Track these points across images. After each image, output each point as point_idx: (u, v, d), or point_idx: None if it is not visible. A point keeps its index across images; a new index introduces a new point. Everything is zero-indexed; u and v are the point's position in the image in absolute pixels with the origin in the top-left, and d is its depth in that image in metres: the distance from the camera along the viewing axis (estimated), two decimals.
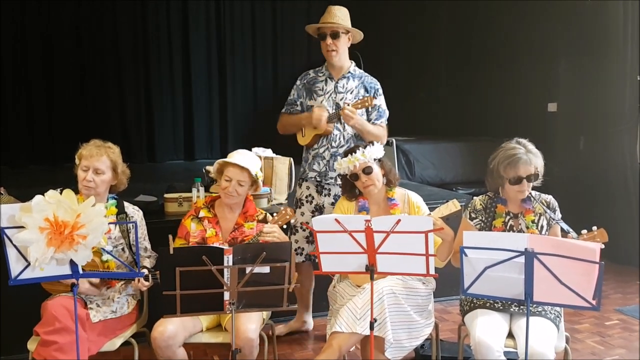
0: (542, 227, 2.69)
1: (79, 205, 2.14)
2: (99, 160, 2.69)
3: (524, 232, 2.67)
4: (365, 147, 2.86)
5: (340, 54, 3.32)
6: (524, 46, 6.21)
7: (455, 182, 6.08)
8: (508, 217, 2.72)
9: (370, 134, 3.29)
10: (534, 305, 2.51)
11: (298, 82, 3.46)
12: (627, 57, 5.01)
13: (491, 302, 2.60)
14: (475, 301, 2.65)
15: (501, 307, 2.60)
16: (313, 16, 8.90)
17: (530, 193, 2.70)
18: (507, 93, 6.46)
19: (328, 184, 3.37)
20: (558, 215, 2.69)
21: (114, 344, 2.68)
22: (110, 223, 2.64)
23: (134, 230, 2.49)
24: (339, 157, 3.04)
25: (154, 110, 7.91)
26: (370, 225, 2.24)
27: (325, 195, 3.38)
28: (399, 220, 2.21)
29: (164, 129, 7.98)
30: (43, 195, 2.11)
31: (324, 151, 3.35)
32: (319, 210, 3.39)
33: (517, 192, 2.63)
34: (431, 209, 2.73)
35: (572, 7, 5.48)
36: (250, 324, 2.57)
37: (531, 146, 2.67)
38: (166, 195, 3.77)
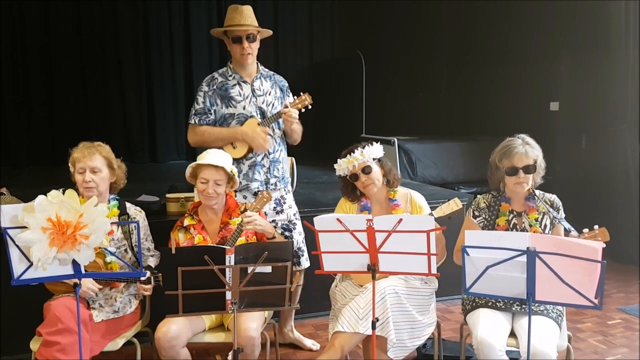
0: (545, 226, 2.69)
1: (81, 205, 2.14)
2: (92, 159, 2.69)
3: (527, 230, 2.67)
4: (363, 147, 2.86)
5: (254, 56, 3.20)
6: (526, 45, 6.21)
7: (457, 182, 6.08)
8: (512, 216, 2.72)
9: (295, 132, 3.25)
10: (536, 304, 2.52)
11: (206, 88, 3.22)
12: (628, 55, 5.01)
13: (493, 301, 2.60)
14: (477, 300, 2.65)
15: (503, 306, 2.60)
16: (315, 16, 8.96)
17: (534, 191, 2.70)
18: (509, 92, 6.47)
19: (270, 190, 3.24)
20: (561, 214, 2.68)
21: (117, 343, 2.68)
22: (112, 223, 2.65)
23: (136, 230, 2.49)
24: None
25: (155, 110, 7.92)
26: (372, 224, 2.24)
27: None
28: (400, 220, 2.21)
29: (165, 129, 7.99)
30: (45, 195, 2.11)
31: (262, 159, 3.21)
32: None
33: (516, 185, 2.62)
34: (432, 208, 2.74)
35: (574, 6, 5.48)
36: (252, 323, 2.58)
37: (529, 139, 2.67)
38: (168, 195, 3.77)
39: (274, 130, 3.22)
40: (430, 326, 2.74)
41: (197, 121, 3.20)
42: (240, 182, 3.15)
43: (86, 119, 7.48)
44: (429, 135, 6.95)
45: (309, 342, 3.57)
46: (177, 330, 2.54)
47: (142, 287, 2.58)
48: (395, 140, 6.17)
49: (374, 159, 2.86)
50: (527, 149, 2.60)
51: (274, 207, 3.27)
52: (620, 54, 5.06)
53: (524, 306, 2.57)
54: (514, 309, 2.60)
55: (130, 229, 2.77)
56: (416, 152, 6.20)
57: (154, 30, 7.82)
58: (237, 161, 3.18)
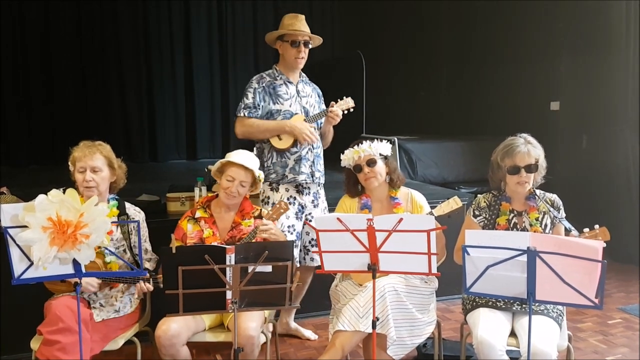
0: (546, 225, 2.69)
1: (81, 204, 2.14)
2: (93, 159, 2.69)
3: (527, 229, 2.67)
4: (372, 141, 2.89)
5: (305, 61, 3.40)
6: (526, 45, 6.21)
7: (458, 181, 6.08)
8: (512, 215, 2.72)
9: (330, 134, 3.50)
10: (537, 304, 2.52)
11: (256, 85, 3.36)
12: (629, 55, 5.01)
13: (493, 300, 2.60)
14: (477, 300, 2.65)
15: (503, 306, 2.60)
16: (315, 16, 8.95)
17: (534, 191, 2.71)
18: (510, 92, 6.47)
19: (310, 182, 3.40)
20: (562, 214, 2.68)
21: (117, 343, 2.68)
22: (112, 223, 2.64)
23: (136, 229, 2.48)
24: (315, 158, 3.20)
25: (156, 109, 7.94)
26: (372, 224, 2.24)
27: (306, 195, 3.40)
28: (401, 219, 2.21)
29: (166, 128, 8.00)
30: (46, 194, 2.11)
31: (307, 153, 3.36)
32: (301, 210, 3.38)
33: (517, 184, 2.63)
34: (433, 208, 2.74)
35: (574, 6, 5.48)
36: (251, 322, 2.58)
37: (531, 139, 2.68)
38: (168, 195, 3.77)
39: (315, 128, 3.37)
40: (430, 325, 2.74)
41: (246, 114, 3.33)
42: (285, 176, 3.32)
43: (86, 119, 7.49)
44: (429, 135, 6.95)
45: (308, 332, 3.66)
46: (177, 328, 2.55)
47: (142, 285, 2.57)
48: (396, 139, 6.17)
49: (380, 155, 2.87)
50: (529, 148, 2.61)
51: (312, 201, 3.43)
52: (620, 54, 5.06)
53: (524, 306, 2.57)
54: (514, 308, 2.60)
55: (130, 229, 2.77)
56: (416, 152, 6.20)
57: (154, 31, 7.83)
58: (281, 155, 3.33)
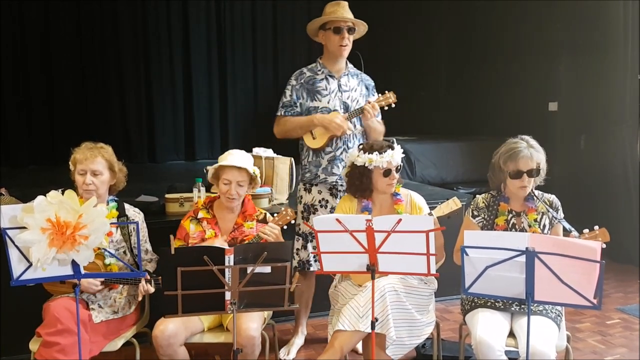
0: (544, 226, 2.69)
1: (80, 205, 2.14)
2: (94, 162, 2.68)
3: (526, 230, 2.67)
4: (394, 144, 2.92)
5: (349, 49, 3.27)
6: (525, 45, 6.21)
7: (456, 182, 6.08)
8: (510, 215, 2.72)
9: (376, 131, 3.33)
10: (535, 305, 2.52)
11: (294, 82, 3.27)
12: (627, 55, 5.01)
13: (492, 301, 2.60)
14: (476, 300, 2.65)
15: (502, 307, 2.60)
16: (314, 15, 8.90)
17: (533, 192, 2.71)
18: (508, 92, 6.46)
19: (342, 184, 3.26)
20: (560, 214, 2.69)
21: (116, 344, 2.69)
22: (112, 224, 2.64)
23: (136, 230, 2.49)
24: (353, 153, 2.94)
25: (154, 110, 7.91)
26: (371, 225, 2.24)
27: (339, 198, 3.26)
28: (399, 220, 2.22)
29: (164, 129, 7.98)
30: (45, 195, 2.11)
31: (341, 153, 3.23)
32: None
33: (519, 188, 2.63)
34: (431, 208, 2.74)
35: (574, 6, 5.48)
36: (252, 323, 2.58)
37: (533, 142, 2.67)
38: (167, 196, 3.77)
39: (355, 126, 3.27)
40: (429, 326, 2.74)
41: (283, 113, 3.28)
42: (318, 176, 3.24)
43: (86, 119, 7.47)
44: (428, 135, 6.94)
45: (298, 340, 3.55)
46: (174, 328, 2.55)
47: (144, 286, 2.57)
48: (394, 140, 6.16)
49: None
50: (532, 152, 2.61)
51: None
52: (619, 54, 5.07)
53: (523, 306, 2.58)
54: (513, 309, 2.60)
55: (130, 231, 2.77)
56: (415, 152, 6.19)
57: (154, 31, 7.81)
58: (316, 154, 3.25)
